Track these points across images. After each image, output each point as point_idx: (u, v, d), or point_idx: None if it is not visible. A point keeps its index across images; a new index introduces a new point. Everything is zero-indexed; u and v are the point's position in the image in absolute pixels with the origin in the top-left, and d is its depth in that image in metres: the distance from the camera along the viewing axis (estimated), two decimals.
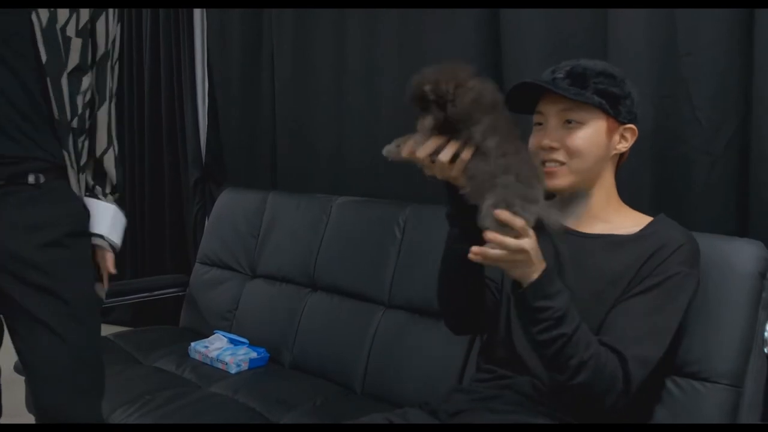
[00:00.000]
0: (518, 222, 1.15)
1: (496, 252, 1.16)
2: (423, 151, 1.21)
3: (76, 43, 1.47)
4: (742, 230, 1.62)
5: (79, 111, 1.50)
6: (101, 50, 1.55)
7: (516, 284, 1.22)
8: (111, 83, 1.59)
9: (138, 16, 3.20)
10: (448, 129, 1.18)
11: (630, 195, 1.49)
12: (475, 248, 1.17)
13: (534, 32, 1.89)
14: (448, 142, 1.20)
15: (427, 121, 1.18)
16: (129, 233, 3.31)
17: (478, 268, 1.33)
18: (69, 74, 1.47)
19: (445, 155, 1.20)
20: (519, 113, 1.46)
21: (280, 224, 2.39)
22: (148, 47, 3.14)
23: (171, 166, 3.12)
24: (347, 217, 2.22)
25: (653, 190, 1.71)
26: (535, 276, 1.19)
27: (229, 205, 2.60)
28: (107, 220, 1.58)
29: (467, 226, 1.25)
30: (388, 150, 1.26)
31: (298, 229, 2.32)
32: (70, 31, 1.46)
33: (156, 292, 2.65)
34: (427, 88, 1.16)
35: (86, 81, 1.52)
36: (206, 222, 2.79)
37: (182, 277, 2.65)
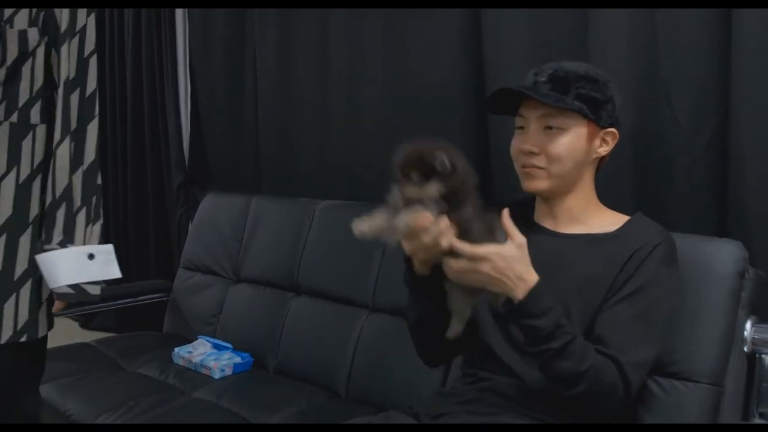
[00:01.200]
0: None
1: (459, 264, 1.18)
2: (443, 234, 1.16)
3: None
4: (721, 231, 1.63)
5: None
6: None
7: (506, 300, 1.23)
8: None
9: (120, 17, 3.17)
10: (450, 202, 1.17)
11: (611, 196, 1.50)
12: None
13: (516, 33, 1.89)
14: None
15: (432, 190, 1.15)
16: (113, 239, 3.32)
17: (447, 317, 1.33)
18: None
19: (445, 239, 1.17)
20: (500, 115, 1.47)
21: (264, 228, 2.38)
22: (130, 48, 3.10)
23: (154, 171, 3.08)
24: (330, 221, 2.22)
25: (634, 191, 1.72)
26: (520, 294, 1.21)
27: (213, 209, 2.58)
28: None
29: (429, 291, 1.28)
30: (362, 229, 1.20)
31: (281, 233, 2.32)
32: None
33: (140, 298, 2.63)
34: (443, 157, 1.14)
35: None
36: (190, 227, 2.77)
37: (166, 282, 2.64)
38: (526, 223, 1.39)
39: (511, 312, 1.23)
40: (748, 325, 1.47)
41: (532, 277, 1.22)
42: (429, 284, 1.29)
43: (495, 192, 1.97)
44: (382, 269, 2.03)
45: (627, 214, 1.44)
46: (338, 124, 2.38)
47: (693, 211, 1.67)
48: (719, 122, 1.63)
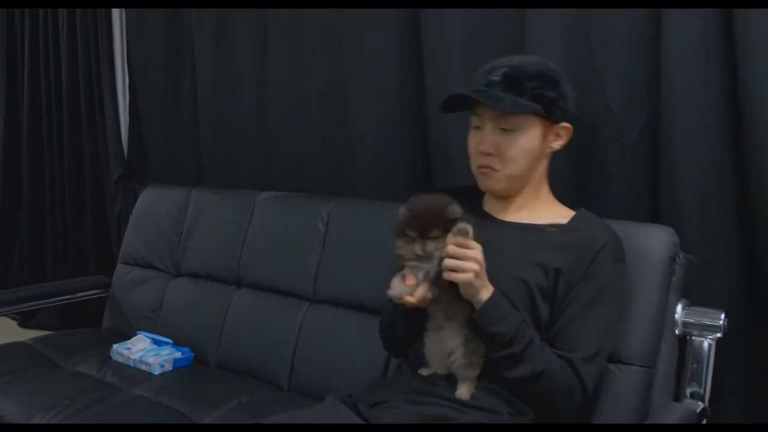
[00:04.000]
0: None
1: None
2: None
3: None
4: (654, 217, 1.65)
5: None
6: None
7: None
8: None
9: (54, 14, 3.06)
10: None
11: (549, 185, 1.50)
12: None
13: (453, 31, 1.89)
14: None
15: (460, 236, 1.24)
16: (49, 234, 3.22)
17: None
18: None
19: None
20: (454, 113, 1.45)
21: (204, 221, 2.34)
22: (65, 43, 3.00)
23: (92, 164, 3.00)
24: (271, 213, 2.19)
25: (569, 179, 1.73)
26: (484, 297, 1.24)
27: (152, 202, 2.53)
28: None
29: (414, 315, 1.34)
30: (394, 295, 1.31)
31: (221, 225, 2.28)
32: None
33: (77, 295, 2.55)
34: (454, 208, 1.25)
35: None
36: (129, 220, 2.68)
37: (104, 278, 2.56)
38: (473, 210, 1.40)
39: (476, 320, 1.26)
40: (679, 308, 1.50)
41: (491, 287, 1.27)
42: (417, 315, 1.35)
43: (433, 183, 1.98)
44: (322, 260, 2.00)
45: (568, 205, 1.47)
46: (280, 117, 2.35)
47: (626, 197, 1.69)
48: (651, 111, 1.65)
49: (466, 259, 1.22)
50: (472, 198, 1.46)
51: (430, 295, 1.27)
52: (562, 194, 1.52)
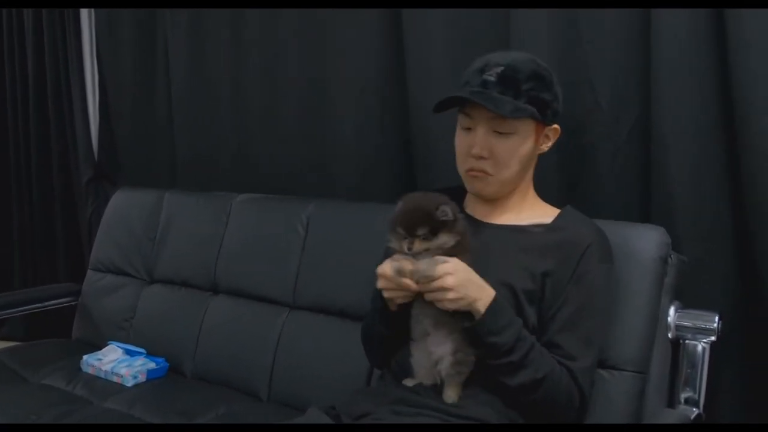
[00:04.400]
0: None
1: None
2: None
3: None
4: (645, 216, 1.66)
5: None
6: None
7: (465, 315, 1.26)
8: None
9: (19, 13, 3.04)
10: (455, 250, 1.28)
11: (535, 185, 1.51)
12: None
13: (435, 25, 1.89)
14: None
15: (442, 240, 1.26)
16: (16, 239, 3.19)
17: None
18: None
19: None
20: (443, 112, 1.45)
21: (178, 225, 2.33)
22: (31, 42, 2.98)
23: (61, 166, 2.97)
24: (248, 216, 2.19)
25: (558, 178, 1.74)
26: (483, 306, 1.24)
27: (124, 205, 2.51)
28: None
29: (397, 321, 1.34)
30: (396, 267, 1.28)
31: (197, 229, 2.27)
32: None
33: (46, 303, 2.53)
34: (448, 209, 1.25)
35: None
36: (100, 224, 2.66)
37: (73, 285, 2.54)
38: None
39: (473, 330, 1.25)
40: (672, 310, 1.50)
41: (491, 291, 1.26)
42: (399, 317, 1.34)
43: (416, 183, 1.98)
44: (302, 265, 2.00)
45: (557, 207, 1.47)
46: (256, 117, 2.35)
47: (616, 196, 1.70)
48: (641, 108, 1.66)
49: (433, 291, 1.23)
50: (455, 198, 1.46)
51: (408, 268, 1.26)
52: (551, 194, 1.53)
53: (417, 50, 1.93)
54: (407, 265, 1.24)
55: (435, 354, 1.32)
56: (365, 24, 2.05)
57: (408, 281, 1.24)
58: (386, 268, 1.26)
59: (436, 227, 1.24)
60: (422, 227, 1.24)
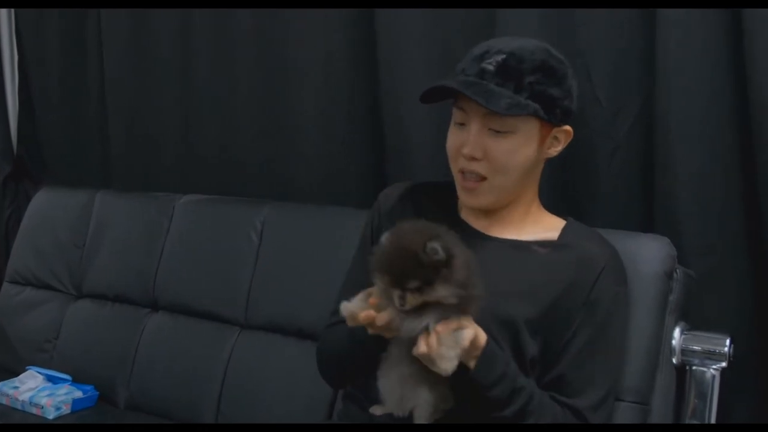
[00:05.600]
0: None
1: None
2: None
3: None
4: (647, 225, 1.67)
5: None
6: None
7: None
8: None
9: None
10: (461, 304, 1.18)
11: None
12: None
13: (413, 31, 1.89)
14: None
15: (445, 293, 1.14)
16: None
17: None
18: None
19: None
20: (432, 104, 1.43)
21: (111, 231, 2.32)
22: None
23: None
24: (193, 220, 2.18)
25: (548, 179, 1.72)
26: (472, 362, 1.20)
27: (47, 207, 2.51)
28: None
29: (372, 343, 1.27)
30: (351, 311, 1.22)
31: (133, 236, 2.27)
32: None
33: None
34: (433, 247, 1.13)
35: None
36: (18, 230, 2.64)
37: None
38: (448, 216, 1.38)
39: (463, 385, 1.22)
40: (677, 332, 1.51)
41: (482, 340, 1.21)
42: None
43: (388, 183, 1.92)
44: (255, 278, 2.00)
45: (551, 210, 1.47)
46: (203, 105, 2.34)
47: (615, 202, 1.71)
48: (643, 101, 1.67)
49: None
50: (447, 199, 1.45)
51: (398, 323, 1.18)
52: (541, 198, 1.52)
53: (391, 51, 1.92)
54: (423, 347, 1.16)
55: (409, 384, 1.30)
56: (332, 23, 2.04)
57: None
58: (383, 318, 1.18)
59: (428, 276, 1.14)
60: (413, 279, 1.14)
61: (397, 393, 1.31)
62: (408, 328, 1.16)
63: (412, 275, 1.13)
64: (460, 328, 1.16)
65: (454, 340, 1.15)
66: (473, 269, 1.18)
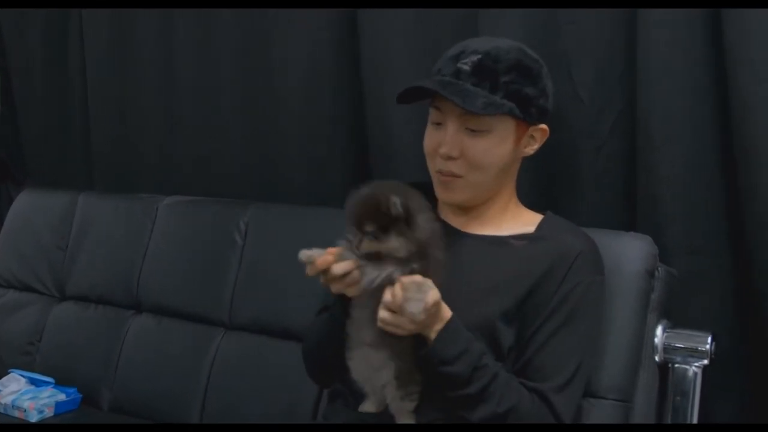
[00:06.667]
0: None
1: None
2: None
3: None
4: (629, 224, 1.68)
5: None
6: None
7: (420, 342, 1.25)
8: None
9: None
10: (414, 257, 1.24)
11: None
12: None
13: (397, 31, 1.90)
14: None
15: (391, 245, 1.22)
16: None
17: None
18: None
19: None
20: (409, 104, 1.45)
21: (94, 232, 2.32)
22: None
23: None
24: (177, 222, 2.19)
25: (530, 179, 1.74)
26: (432, 335, 1.23)
27: (29, 209, 2.51)
28: None
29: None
30: (309, 254, 1.27)
31: (116, 237, 2.27)
32: None
33: None
34: (396, 200, 1.21)
35: None
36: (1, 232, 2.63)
37: None
38: None
39: (424, 358, 1.25)
40: (659, 330, 1.53)
41: (446, 314, 1.24)
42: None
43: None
44: (239, 279, 2.00)
45: (537, 212, 1.48)
46: (187, 105, 2.34)
47: (598, 201, 1.72)
48: (626, 101, 1.68)
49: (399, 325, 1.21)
50: (427, 199, 1.45)
51: (357, 274, 1.23)
52: (521, 197, 1.54)
53: (373, 51, 1.93)
54: (388, 295, 1.20)
55: (378, 379, 1.31)
56: (314, 24, 2.05)
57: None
58: (342, 266, 1.23)
59: (384, 224, 1.21)
60: (368, 223, 1.21)
61: (365, 372, 1.32)
62: (368, 279, 1.22)
63: (370, 219, 1.21)
64: (424, 283, 1.19)
65: (418, 288, 1.19)
66: (437, 237, 1.25)
